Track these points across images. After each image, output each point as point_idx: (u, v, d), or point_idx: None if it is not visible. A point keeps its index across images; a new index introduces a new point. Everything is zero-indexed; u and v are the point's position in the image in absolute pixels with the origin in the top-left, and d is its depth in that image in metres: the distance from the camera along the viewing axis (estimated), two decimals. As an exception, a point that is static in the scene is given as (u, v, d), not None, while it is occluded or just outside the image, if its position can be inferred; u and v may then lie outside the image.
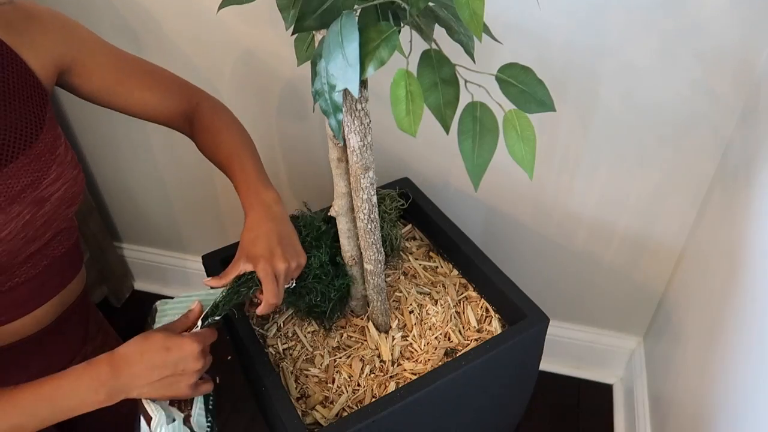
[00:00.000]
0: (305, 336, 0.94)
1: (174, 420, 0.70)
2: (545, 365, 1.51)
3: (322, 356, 0.91)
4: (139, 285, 1.80)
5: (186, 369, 0.67)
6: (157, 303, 0.79)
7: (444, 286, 1.00)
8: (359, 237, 0.83)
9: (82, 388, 0.65)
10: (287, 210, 0.81)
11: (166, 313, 0.77)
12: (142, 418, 0.69)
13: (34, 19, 0.73)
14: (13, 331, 0.78)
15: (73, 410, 0.65)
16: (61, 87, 0.81)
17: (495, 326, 0.94)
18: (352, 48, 0.53)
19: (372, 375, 0.89)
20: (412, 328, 0.95)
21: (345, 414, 0.84)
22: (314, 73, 0.63)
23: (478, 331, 0.94)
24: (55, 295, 0.82)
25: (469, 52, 0.63)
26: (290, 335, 0.95)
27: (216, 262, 0.97)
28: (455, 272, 1.03)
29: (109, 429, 0.93)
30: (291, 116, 1.26)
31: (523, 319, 0.88)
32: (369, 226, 0.80)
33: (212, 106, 0.89)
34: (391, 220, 1.01)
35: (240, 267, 0.74)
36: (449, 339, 0.93)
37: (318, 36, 0.67)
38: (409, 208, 1.08)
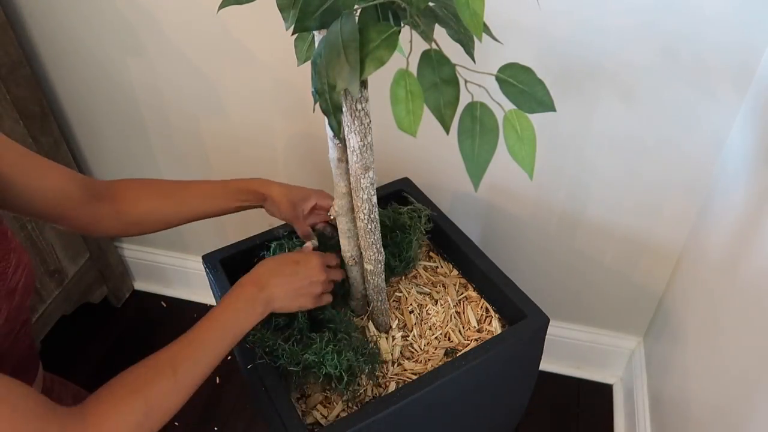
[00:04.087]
0: (305, 336, 0.94)
1: None
2: (545, 365, 1.51)
3: (322, 356, 0.91)
4: (139, 285, 1.80)
5: (313, 279, 0.81)
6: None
7: (444, 286, 1.00)
8: (359, 237, 0.83)
9: (242, 309, 0.74)
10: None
11: None
12: None
13: None
14: None
15: (243, 331, 0.74)
16: None
17: (495, 326, 0.94)
18: (353, 48, 0.53)
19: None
20: (412, 328, 0.95)
21: (345, 414, 0.84)
22: (314, 73, 0.63)
23: (478, 331, 0.94)
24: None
25: (469, 52, 0.63)
26: (290, 335, 0.94)
27: (216, 262, 0.97)
28: (455, 272, 1.03)
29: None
30: (291, 116, 1.26)
31: (523, 319, 0.88)
32: (369, 226, 0.80)
33: (114, 180, 0.87)
34: (418, 239, 0.99)
35: (323, 202, 0.93)
36: (449, 339, 0.93)
37: (318, 36, 0.67)
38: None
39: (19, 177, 0.71)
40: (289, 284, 0.79)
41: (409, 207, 1.02)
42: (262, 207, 0.94)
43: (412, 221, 0.99)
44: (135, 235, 0.88)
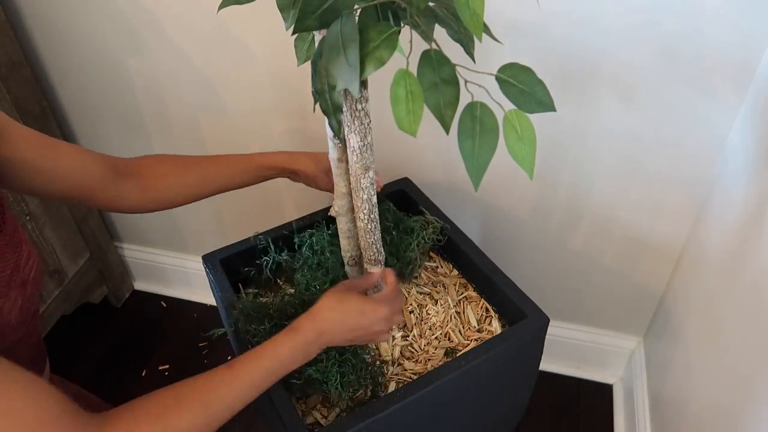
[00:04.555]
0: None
1: None
2: (545, 365, 1.51)
3: (322, 356, 0.91)
4: (139, 285, 1.80)
5: (376, 331, 0.76)
6: None
7: (444, 286, 1.00)
8: (359, 237, 0.83)
9: (296, 355, 0.70)
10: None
11: None
12: None
13: None
14: None
15: (288, 371, 0.71)
16: None
17: (495, 326, 0.94)
18: (353, 48, 0.53)
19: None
20: (412, 328, 0.95)
21: (344, 414, 0.84)
22: (314, 73, 0.63)
23: (478, 331, 0.94)
24: None
25: (469, 52, 0.63)
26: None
27: (216, 262, 0.97)
28: (455, 272, 1.03)
29: None
30: (291, 116, 1.26)
31: (523, 319, 0.88)
32: (369, 226, 0.80)
33: (137, 157, 0.87)
34: (424, 248, 0.98)
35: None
36: (449, 339, 0.93)
37: (318, 36, 0.67)
38: (409, 209, 1.08)
39: (39, 162, 0.72)
40: (346, 336, 0.74)
41: (421, 217, 1.01)
42: (289, 179, 0.94)
43: (424, 232, 0.98)
44: (159, 210, 0.87)
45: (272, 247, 0.97)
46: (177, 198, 0.87)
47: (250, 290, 1.00)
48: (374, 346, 0.92)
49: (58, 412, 0.56)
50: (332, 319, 0.73)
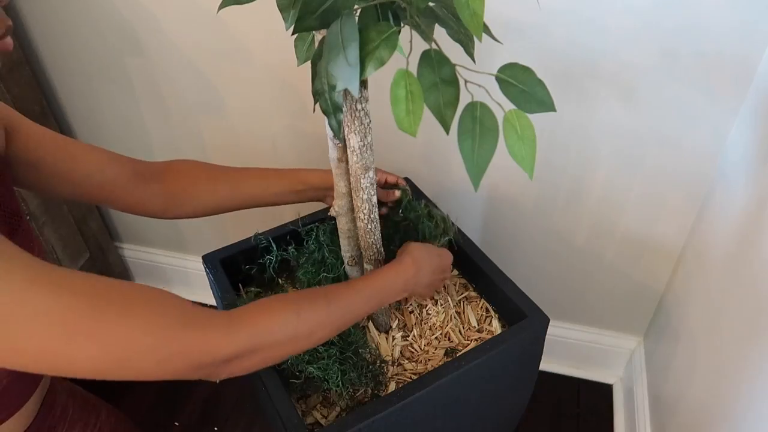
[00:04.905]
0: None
1: None
2: (545, 365, 1.51)
3: (322, 356, 0.91)
4: (139, 285, 1.80)
5: (444, 274, 0.86)
6: None
7: (444, 286, 1.00)
8: (359, 237, 0.83)
9: (399, 284, 0.77)
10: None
11: None
12: None
13: None
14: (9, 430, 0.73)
15: (386, 302, 0.77)
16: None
17: (495, 326, 0.94)
18: (352, 48, 0.53)
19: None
20: (413, 328, 0.94)
21: (345, 414, 0.84)
22: (314, 73, 0.63)
23: (478, 331, 0.94)
24: (38, 385, 0.76)
25: (469, 52, 0.63)
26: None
27: (216, 262, 0.97)
28: (455, 272, 1.02)
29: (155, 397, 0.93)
30: (291, 116, 1.26)
31: (523, 319, 0.88)
32: (369, 226, 0.80)
33: (165, 161, 0.87)
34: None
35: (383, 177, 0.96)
36: (449, 339, 0.93)
37: (318, 36, 0.67)
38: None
39: (61, 164, 0.72)
40: (431, 275, 0.82)
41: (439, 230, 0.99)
42: (321, 201, 0.93)
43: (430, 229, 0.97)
44: (186, 218, 0.87)
45: (273, 246, 0.97)
46: (205, 208, 0.86)
47: (252, 289, 1.00)
48: (374, 345, 0.92)
49: (188, 309, 0.56)
50: (424, 256, 0.81)
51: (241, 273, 0.98)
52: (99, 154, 0.77)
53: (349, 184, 0.78)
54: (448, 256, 0.87)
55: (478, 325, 0.95)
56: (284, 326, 0.62)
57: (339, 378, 0.81)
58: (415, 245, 0.82)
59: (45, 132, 0.73)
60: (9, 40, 0.58)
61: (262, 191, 0.88)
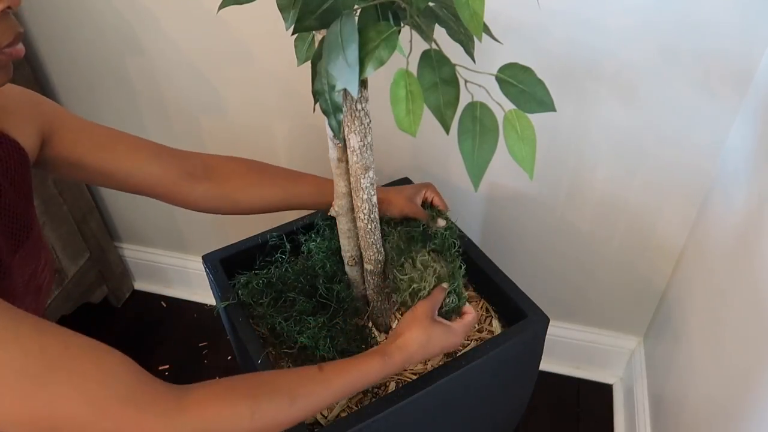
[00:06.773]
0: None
1: None
2: (545, 365, 1.51)
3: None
4: (139, 285, 1.80)
5: (450, 349, 0.80)
6: None
7: (444, 286, 1.00)
8: (359, 237, 0.83)
9: (381, 377, 0.72)
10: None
11: None
12: None
13: (7, 96, 0.69)
14: None
15: (369, 386, 0.73)
16: (41, 165, 0.74)
17: (495, 326, 0.94)
18: (352, 48, 0.53)
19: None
20: (412, 328, 0.94)
21: (345, 414, 0.84)
22: (314, 73, 0.63)
23: (478, 331, 0.94)
24: None
25: (469, 52, 0.63)
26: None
27: (216, 262, 0.97)
28: (455, 272, 1.02)
29: None
30: (291, 116, 1.26)
31: (523, 319, 0.88)
32: (369, 226, 0.80)
33: (213, 155, 0.87)
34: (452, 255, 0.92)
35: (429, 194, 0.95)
36: (449, 339, 0.93)
37: (318, 36, 0.67)
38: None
39: (102, 163, 0.75)
40: (427, 356, 0.78)
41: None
42: None
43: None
44: (235, 214, 0.87)
45: (287, 243, 0.98)
46: (253, 208, 0.87)
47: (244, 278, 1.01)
48: (368, 330, 0.93)
49: (134, 383, 0.54)
50: (419, 353, 0.75)
51: (240, 273, 0.98)
52: (143, 153, 0.78)
53: (349, 184, 0.78)
54: (457, 335, 0.79)
55: (478, 325, 0.95)
56: (233, 422, 0.58)
57: (329, 343, 0.84)
58: (417, 333, 0.76)
59: (91, 131, 0.75)
60: (20, 47, 0.58)
61: (308, 197, 0.89)
